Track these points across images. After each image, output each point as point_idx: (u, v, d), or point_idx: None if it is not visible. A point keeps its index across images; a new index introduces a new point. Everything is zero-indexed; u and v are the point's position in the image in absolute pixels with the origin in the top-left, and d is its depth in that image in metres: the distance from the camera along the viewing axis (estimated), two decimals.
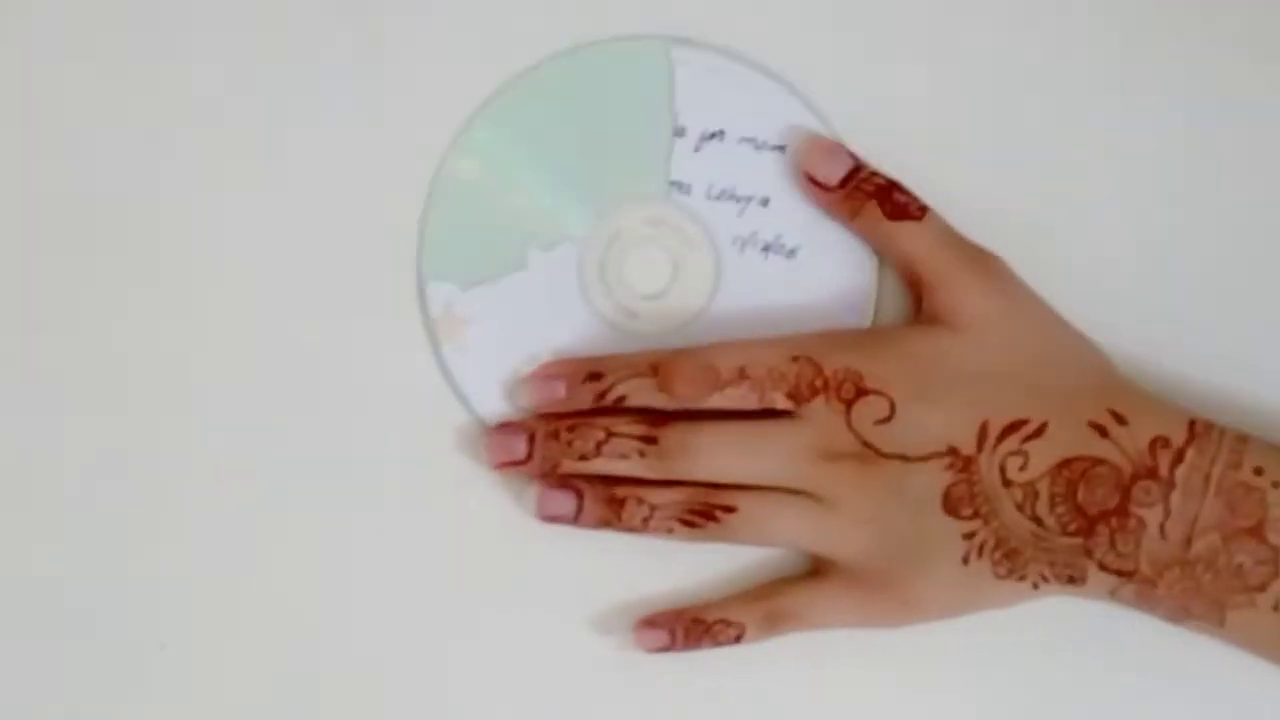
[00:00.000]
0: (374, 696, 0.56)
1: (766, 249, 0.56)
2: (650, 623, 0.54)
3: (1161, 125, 0.57)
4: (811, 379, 0.52)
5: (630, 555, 0.55)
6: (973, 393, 0.52)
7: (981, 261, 0.54)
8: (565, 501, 0.54)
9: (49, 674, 0.55)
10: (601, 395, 0.54)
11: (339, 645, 0.56)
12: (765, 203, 0.56)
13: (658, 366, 0.53)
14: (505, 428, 0.55)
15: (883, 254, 0.55)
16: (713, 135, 0.56)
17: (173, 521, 0.56)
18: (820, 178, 0.55)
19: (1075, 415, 0.52)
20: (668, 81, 0.56)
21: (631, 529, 0.53)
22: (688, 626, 0.54)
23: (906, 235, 0.54)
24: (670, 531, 0.53)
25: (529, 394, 0.55)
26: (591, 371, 0.54)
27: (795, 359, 0.53)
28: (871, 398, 0.52)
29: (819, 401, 0.52)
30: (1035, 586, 0.53)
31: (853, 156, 0.55)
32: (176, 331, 0.56)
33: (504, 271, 0.56)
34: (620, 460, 0.53)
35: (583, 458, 0.53)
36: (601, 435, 0.53)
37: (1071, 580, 0.52)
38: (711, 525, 0.53)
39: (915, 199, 0.54)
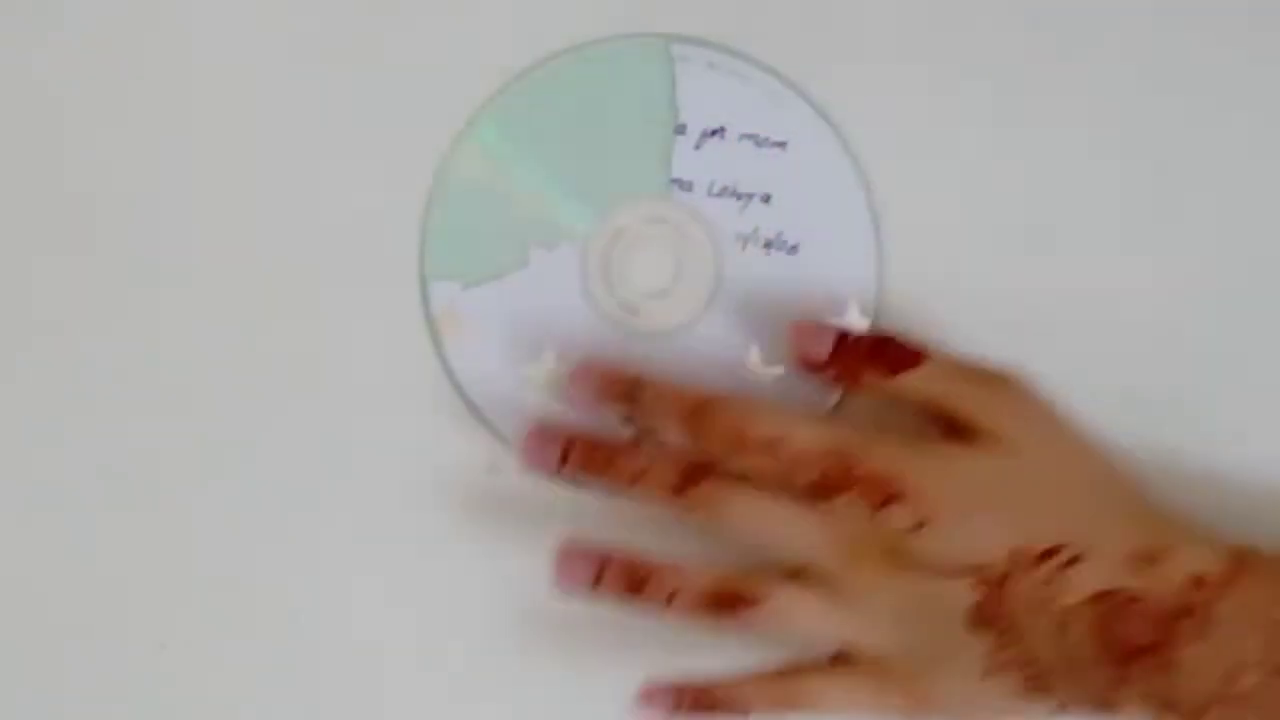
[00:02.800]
0: (374, 696, 0.56)
1: (768, 246, 0.56)
2: (656, 693, 0.53)
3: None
4: (842, 475, 0.51)
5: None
6: (1009, 515, 0.51)
7: (1000, 385, 0.53)
8: (584, 568, 0.52)
9: (49, 674, 0.56)
10: (628, 419, 0.53)
11: (340, 645, 0.56)
12: (767, 199, 0.56)
13: (693, 413, 0.52)
14: (544, 432, 0.53)
15: (901, 404, 0.54)
16: (714, 132, 0.56)
17: (173, 521, 0.56)
18: (811, 356, 0.53)
19: (1112, 547, 0.51)
20: (668, 79, 0.56)
21: (652, 608, 0.52)
22: (696, 698, 0.52)
23: (915, 383, 0.53)
24: (692, 616, 0.52)
25: (569, 388, 0.54)
26: (629, 392, 0.53)
27: (828, 452, 0.51)
28: (905, 505, 0.51)
29: (847, 498, 0.51)
30: (1062, 706, 0.51)
31: (836, 328, 0.54)
32: (177, 331, 0.56)
33: (506, 270, 0.56)
34: (647, 499, 0.52)
35: (614, 483, 0.52)
36: (637, 470, 0.52)
37: (1104, 706, 0.50)
38: (736, 615, 0.52)
39: (909, 346, 0.53)
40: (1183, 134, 0.57)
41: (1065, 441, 0.53)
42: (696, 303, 0.56)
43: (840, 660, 0.53)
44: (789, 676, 0.53)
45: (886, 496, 0.51)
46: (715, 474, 0.52)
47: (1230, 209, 0.57)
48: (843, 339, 0.53)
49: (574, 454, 0.53)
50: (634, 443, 0.53)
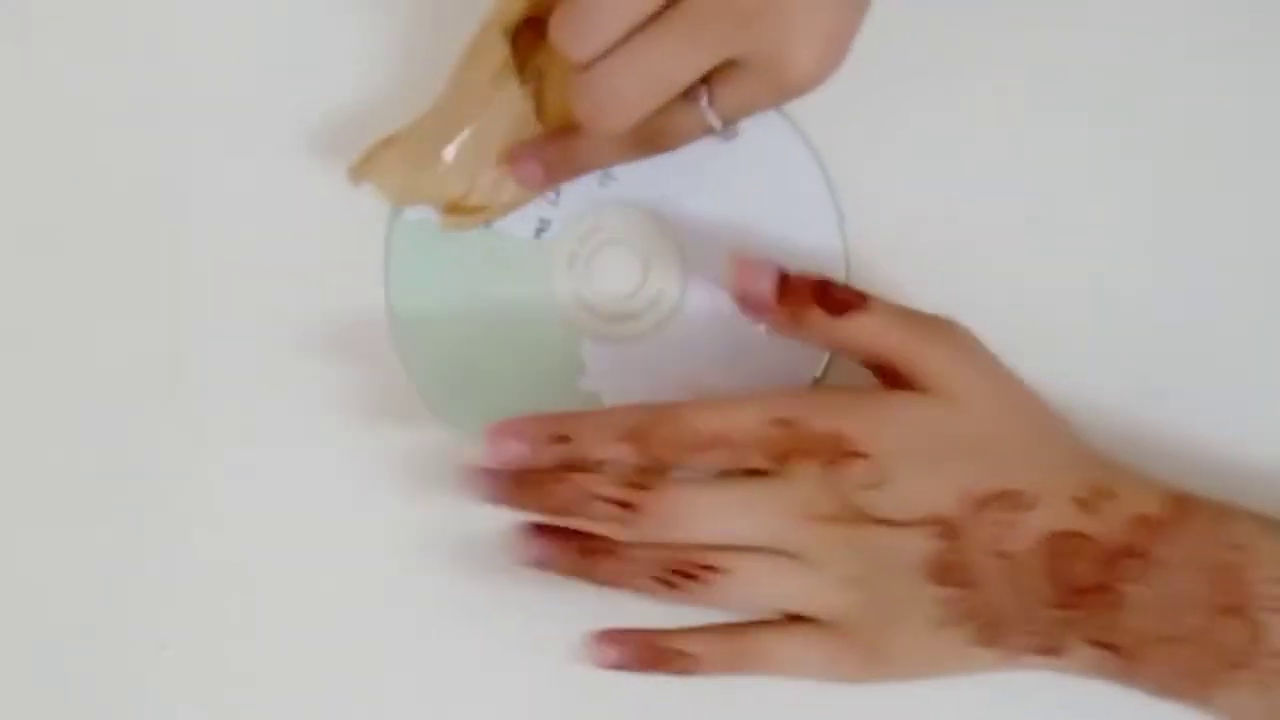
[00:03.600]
0: (374, 695, 0.57)
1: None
2: (605, 638, 0.53)
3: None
4: (793, 443, 0.51)
5: None
6: (960, 461, 0.52)
7: (940, 331, 0.53)
8: (541, 549, 0.53)
9: (49, 674, 0.57)
10: (569, 461, 0.52)
11: (340, 645, 0.57)
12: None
13: (632, 433, 0.52)
14: (479, 469, 0.53)
15: (839, 351, 0.54)
16: None
17: (173, 521, 0.57)
18: (753, 293, 0.53)
19: (1061, 489, 0.52)
20: None
21: (607, 583, 0.52)
22: (643, 649, 0.53)
23: (858, 327, 0.53)
24: (648, 590, 0.52)
25: (486, 452, 0.53)
26: (559, 434, 0.52)
27: (775, 422, 0.52)
28: (857, 461, 0.51)
29: (801, 464, 0.51)
30: (1011, 655, 0.52)
31: (777, 265, 0.53)
32: (176, 332, 0.57)
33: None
34: (598, 522, 0.52)
35: (559, 511, 0.52)
36: (579, 494, 0.52)
37: (1050, 651, 0.52)
38: (692, 585, 0.52)
39: (853, 290, 0.53)
40: (1162, 122, 0.57)
41: (1006, 389, 0.53)
42: (668, 303, 0.57)
43: (794, 620, 0.53)
44: (742, 633, 0.53)
45: (837, 453, 0.51)
46: (660, 477, 0.52)
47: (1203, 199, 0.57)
48: (785, 277, 0.53)
49: (514, 482, 0.53)
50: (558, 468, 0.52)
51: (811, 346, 0.55)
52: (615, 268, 0.57)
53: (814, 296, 0.52)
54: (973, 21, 0.57)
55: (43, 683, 0.57)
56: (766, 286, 0.52)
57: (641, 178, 0.56)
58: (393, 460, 0.57)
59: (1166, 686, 0.51)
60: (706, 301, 0.56)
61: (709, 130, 0.52)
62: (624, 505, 0.51)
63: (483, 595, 0.57)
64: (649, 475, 0.52)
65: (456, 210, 0.55)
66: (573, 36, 0.49)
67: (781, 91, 0.51)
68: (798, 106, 0.56)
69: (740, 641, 0.53)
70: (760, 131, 0.56)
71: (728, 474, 0.52)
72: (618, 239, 0.56)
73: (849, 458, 0.51)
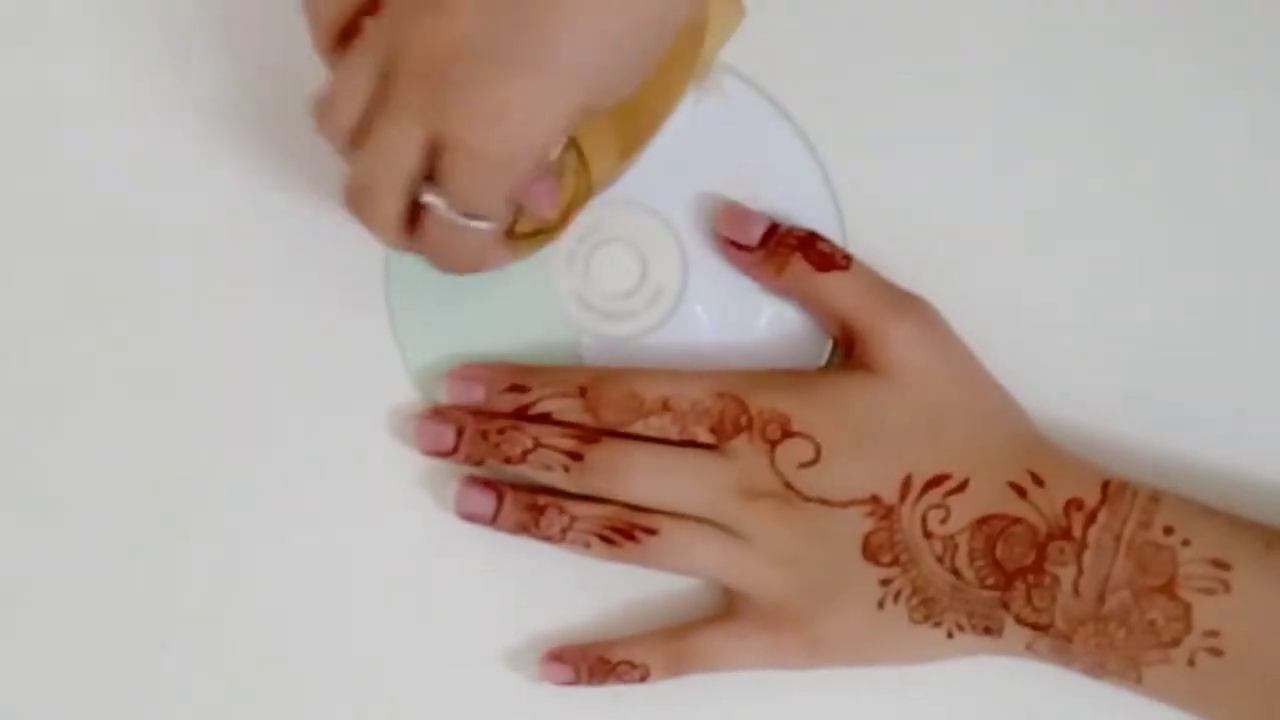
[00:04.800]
0: (375, 695, 0.57)
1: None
2: (556, 657, 0.55)
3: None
4: (736, 417, 0.53)
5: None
6: (899, 445, 0.53)
7: (911, 308, 0.54)
8: (484, 501, 0.54)
9: (49, 674, 0.57)
10: (524, 408, 0.54)
11: (340, 646, 0.57)
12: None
13: (586, 389, 0.54)
14: (436, 415, 0.55)
15: (810, 307, 0.56)
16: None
17: (173, 521, 0.57)
18: (740, 240, 0.55)
19: (996, 474, 0.53)
20: None
21: (549, 538, 0.54)
22: (593, 664, 0.54)
23: (835, 286, 0.54)
24: (587, 546, 0.53)
25: (447, 391, 0.55)
26: (516, 383, 0.54)
27: (721, 395, 0.53)
28: (797, 440, 0.53)
29: (742, 439, 0.53)
30: (950, 635, 0.53)
31: (768, 216, 0.55)
32: (175, 333, 0.57)
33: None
34: (544, 471, 0.53)
35: (507, 460, 0.54)
36: (529, 443, 0.53)
37: (988, 631, 0.53)
38: (630, 545, 0.53)
39: (839, 249, 0.55)
40: (1164, 126, 0.57)
41: (962, 373, 0.55)
42: (668, 300, 0.57)
43: (733, 612, 0.54)
44: (682, 634, 0.55)
45: (780, 433, 0.53)
46: (610, 435, 0.54)
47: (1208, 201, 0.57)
48: (774, 227, 0.55)
49: (466, 434, 0.54)
50: (526, 416, 0.54)
51: (788, 299, 0.56)
52: (614, 266, 0.57)
53: (800, 246, 0.54)
54: (973, 21, 0.57)
55: (43, 683, 0.57)
56: (755, 233, 0.55)
57: (640, 176, 0.56)
58: (393, 459, 0.57)
59: (1099, 666, 0.53)
60: (705, 299, 0.56)
61: (461, 225, 0.48)
62: (571, 455, 0.53)
63: (485, 595, 0.57)
64: (598, 433, 0.54)
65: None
66: (323, 125, 0.48)
67: (479, 161, 0.46)
68: (797, 106, 0.57)
69: (682, 644, 0.54)
70: (760, 131, 0.56)
71: (676, 445, 0.53)
72: (616, 237, 0.57)
73: (789, 436, 0.53)
